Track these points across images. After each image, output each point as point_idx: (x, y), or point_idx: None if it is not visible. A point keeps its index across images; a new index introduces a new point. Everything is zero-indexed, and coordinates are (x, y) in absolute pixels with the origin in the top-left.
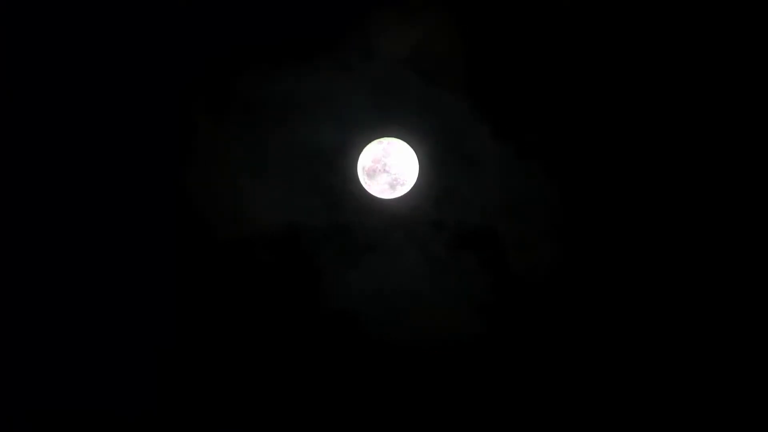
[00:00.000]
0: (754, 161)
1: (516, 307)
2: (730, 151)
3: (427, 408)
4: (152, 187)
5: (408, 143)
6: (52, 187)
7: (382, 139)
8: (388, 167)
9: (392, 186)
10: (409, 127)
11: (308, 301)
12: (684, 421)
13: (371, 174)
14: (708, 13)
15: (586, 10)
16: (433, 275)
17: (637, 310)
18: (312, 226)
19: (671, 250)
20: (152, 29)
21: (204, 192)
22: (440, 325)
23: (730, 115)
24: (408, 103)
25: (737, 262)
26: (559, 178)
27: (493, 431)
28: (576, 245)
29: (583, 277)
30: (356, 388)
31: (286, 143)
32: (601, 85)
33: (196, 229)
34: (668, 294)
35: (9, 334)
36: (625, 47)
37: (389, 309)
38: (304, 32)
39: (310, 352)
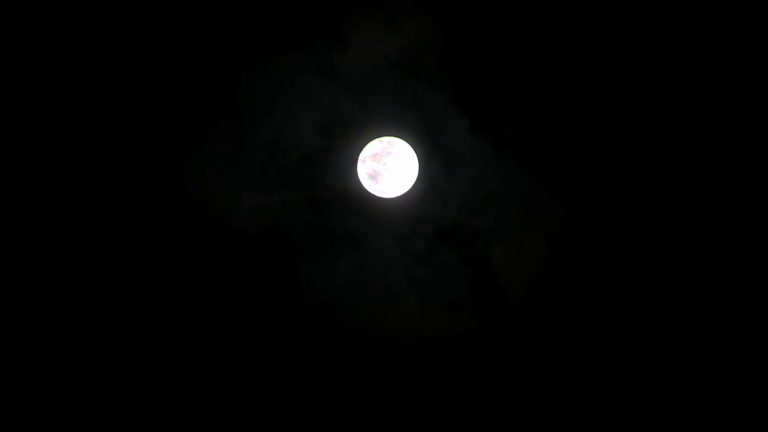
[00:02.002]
0: (746, 160)
1: (498, 303)
2: (711, 145)
3: (406, 404)
4: (142, 185)
5: (395, 141)
6: (46, 184)
7: (381, 138)
8: (375, 164)
9: (377, 182)
10: (395, 125)
11: (290, 297)
12: (672, 420)
13: (359, 171)
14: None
15: (568, 6)
16: (414, 271)
17: (621, 303)
18: (295, 223)
19: (655, 244)
20: (140, 28)
21: (194, 190)
22: (421, 322)
23: (714, 113)
24: (391, 100)
25: (726, 247)
26: (544, 173)
27: (474, 430)
28: (559, 241)
29: (566, 272)
30: (339, 385)
31: (270, 142)
32: (582, 78)
33: (188, 227)
34: (653, 289)
35: (7, 333)
36: (606, 41)
37: (371, 306)
38: (288, 32)
39: (296, 348)
